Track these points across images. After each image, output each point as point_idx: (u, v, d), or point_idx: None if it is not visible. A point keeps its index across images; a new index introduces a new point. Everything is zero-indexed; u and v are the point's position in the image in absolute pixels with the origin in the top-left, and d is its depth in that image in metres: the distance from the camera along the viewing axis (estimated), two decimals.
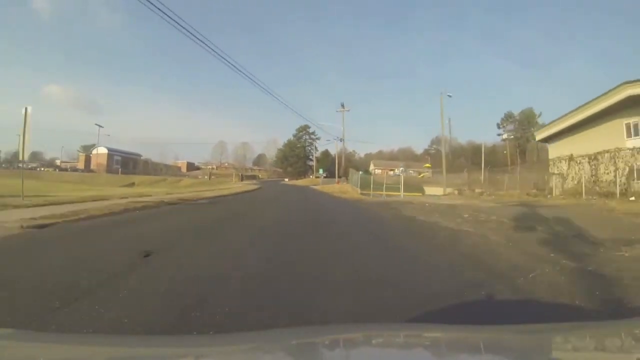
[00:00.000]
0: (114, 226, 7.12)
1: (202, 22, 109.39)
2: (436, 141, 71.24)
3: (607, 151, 17.80)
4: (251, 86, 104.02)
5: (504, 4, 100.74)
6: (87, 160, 73.74)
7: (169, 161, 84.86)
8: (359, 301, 2.93)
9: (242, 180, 57.60)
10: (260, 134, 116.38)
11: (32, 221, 6.70)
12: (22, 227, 6.27)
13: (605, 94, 17.46)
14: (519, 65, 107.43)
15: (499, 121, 66.78)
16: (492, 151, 57.67)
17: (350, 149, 74.68)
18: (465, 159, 55.77)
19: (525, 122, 61.62)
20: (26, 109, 9.05)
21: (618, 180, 16.37)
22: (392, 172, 48.53)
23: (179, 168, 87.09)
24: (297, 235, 6.64)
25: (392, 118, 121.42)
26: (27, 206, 8.95)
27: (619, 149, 17.28)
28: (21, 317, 2.41)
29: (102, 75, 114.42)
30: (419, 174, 57.41)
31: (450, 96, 31.08)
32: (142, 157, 78.92)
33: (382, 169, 55.58)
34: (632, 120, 17.40)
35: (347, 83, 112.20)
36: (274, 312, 2.58)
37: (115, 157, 73.24)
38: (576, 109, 19.77)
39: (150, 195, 16.04)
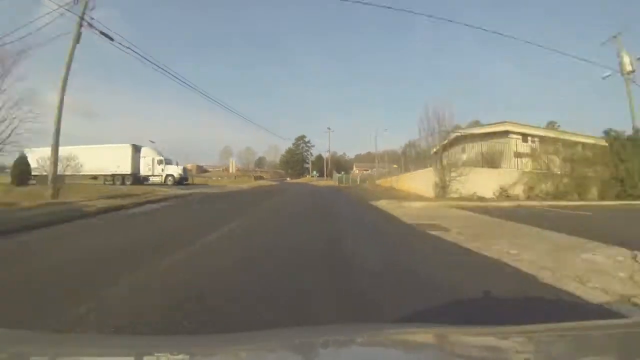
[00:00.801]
0: (273, 190, 27.58)
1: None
2: (409, 145, 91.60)
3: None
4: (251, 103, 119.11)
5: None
6: None
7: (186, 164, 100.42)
8: (319, 194, 24.84)
9: (256, 180, 73.50)
10: (261, 140, 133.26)
11: (248, 187, 26.13)
12: (249, 187, 25.75)
13: (450, 134, 37.40)
14: (519, 70, 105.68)
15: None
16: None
17: (341, 152, 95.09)
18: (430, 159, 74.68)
19: None
20: (232, 161, 28.29)
21: None
22: (366, 172, 68.00)
23: (190, 170, 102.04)
24: (310, 189, 28.41)
25: (381, 123, 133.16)
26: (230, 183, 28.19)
27: None
28: (288, 192, 23.42)
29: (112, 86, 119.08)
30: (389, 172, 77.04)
31: (386, 130, 52.00)
32: None
33: (359, 169, 75.27)
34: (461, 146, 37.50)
35: (342, 92, 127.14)
36: (317, 194, 24.10)
37: None
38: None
39: (239, 186, 35.41)
